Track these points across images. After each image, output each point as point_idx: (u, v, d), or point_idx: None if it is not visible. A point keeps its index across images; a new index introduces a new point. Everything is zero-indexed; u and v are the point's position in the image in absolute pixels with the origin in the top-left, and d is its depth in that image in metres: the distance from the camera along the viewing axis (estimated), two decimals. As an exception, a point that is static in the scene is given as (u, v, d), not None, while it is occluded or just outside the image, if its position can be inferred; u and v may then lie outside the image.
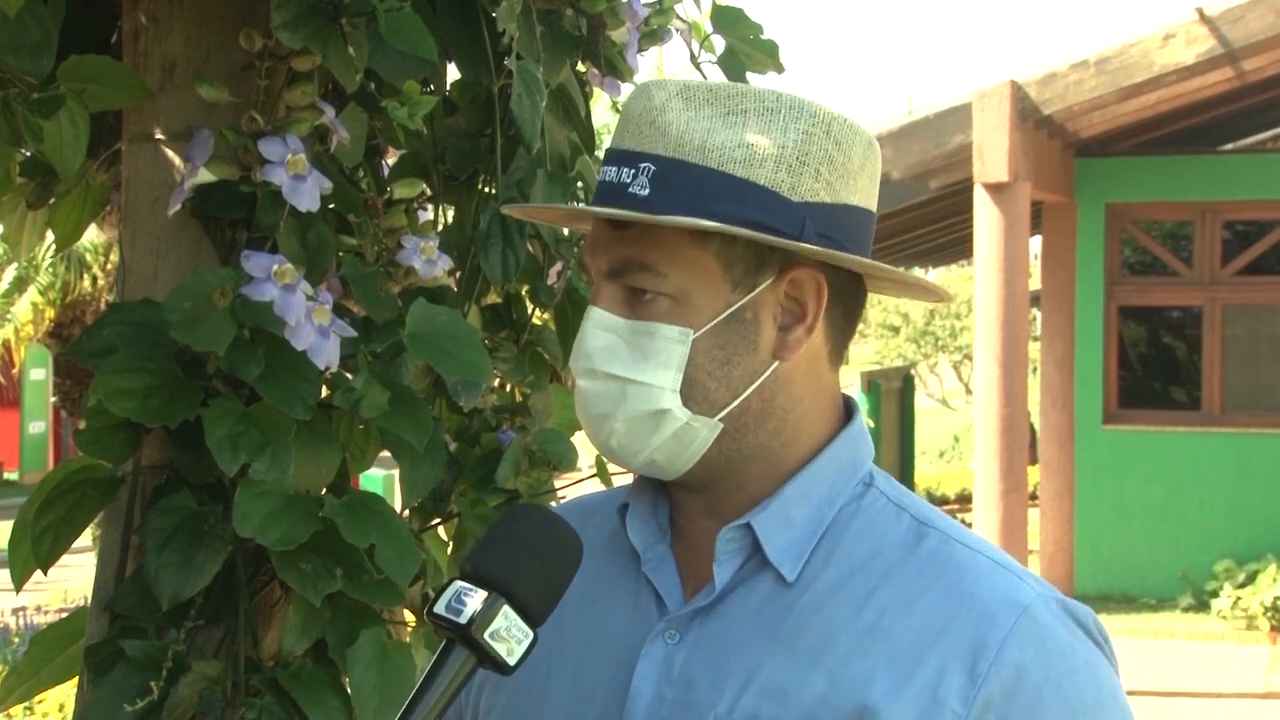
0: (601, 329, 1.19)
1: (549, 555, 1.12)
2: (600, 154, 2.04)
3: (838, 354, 1.26)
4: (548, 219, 1.33)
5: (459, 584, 1.08)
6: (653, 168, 1.17)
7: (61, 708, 6.05)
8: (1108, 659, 1.19)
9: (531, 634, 1.08)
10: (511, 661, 1.07)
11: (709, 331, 1.18)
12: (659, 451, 1.19)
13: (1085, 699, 1.14)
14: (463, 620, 1.06)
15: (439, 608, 1.07)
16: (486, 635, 1.06)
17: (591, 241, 1.23)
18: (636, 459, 1.20)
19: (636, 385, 1.18)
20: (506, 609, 1.07)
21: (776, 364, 1.20)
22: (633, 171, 1.18)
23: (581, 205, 1.21)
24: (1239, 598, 10.18)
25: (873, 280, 1.27)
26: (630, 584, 1.26)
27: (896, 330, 31.13)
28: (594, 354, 1.19)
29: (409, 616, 1.83)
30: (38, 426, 20.74)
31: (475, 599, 1.06)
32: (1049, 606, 1.16)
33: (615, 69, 1.94)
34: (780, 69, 2.05)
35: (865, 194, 1.23)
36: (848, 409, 1.28)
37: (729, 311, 1.18)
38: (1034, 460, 12.48)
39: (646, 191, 1.16)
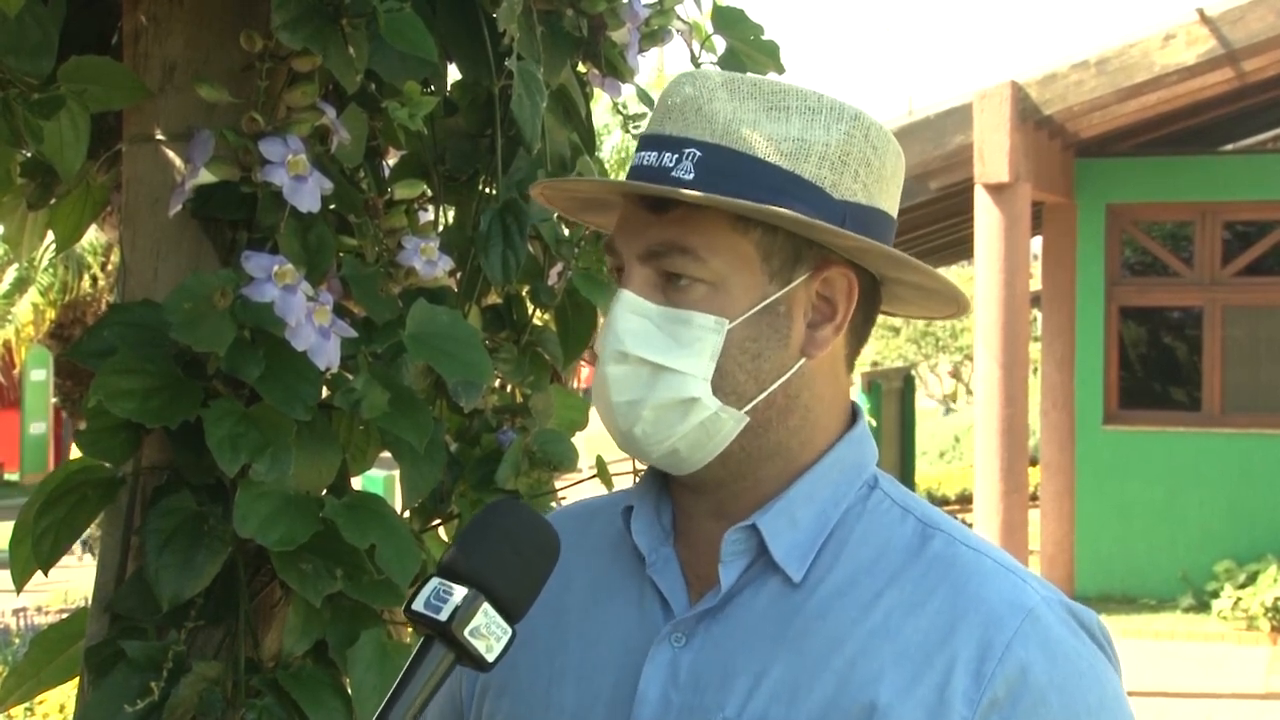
0: (633, 313, 1.18)
1: (527, 552, 1.11)
2: (601, 155, 2.04)
3: (853, 358, 1.27)
4: (589, 187, 1.32)
5: (437, 581, 1.08)
6: (698, 153, 1.17)
7: (62, 708, 6.05)
8: (1111, 663, 1.19)
9: (510, 630, 1.08)
10: (490, 658, 1.07)
11: (743, 322, 1.18)
12: (683, 440, 1.18)
13: (1089, 702, 1.14)
14: (442, 617, 1.05)
15: (418, 605, 1.07)
16: (466, 632, 1.05)
17: (624, 225, 1.22)
18: (658, 448, 1.19)
19: (669, 372, 1.17)
20: (486, 606, 1.06)
21: (803, 361, 1.20)
22: (675, 156, 1.17)
23: (633, 184, 1.20)
24: (1239, 598, 10.18)
25: (888, 295, 1.27)
26: (634, 587, 1.26)
27: (897, 331, 31.13)
28: (625, 337, 1.18)
29: (409, 617, 1.83)
30: (38, 427, 20.74)
31: (455, 596, 1.06)
32: (1054, 610, 1.17)
33: (616, 70, 1.94)
34: (781, 70, 2.05)
35: (892, 201, 1.24)
36: (852, 412, 1.28)
37: (765, 303, 1.18)
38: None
39: (691, 176, 1.16)
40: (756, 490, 1.22)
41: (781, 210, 1.14)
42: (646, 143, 1.21)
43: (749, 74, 1.22)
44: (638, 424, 1.19)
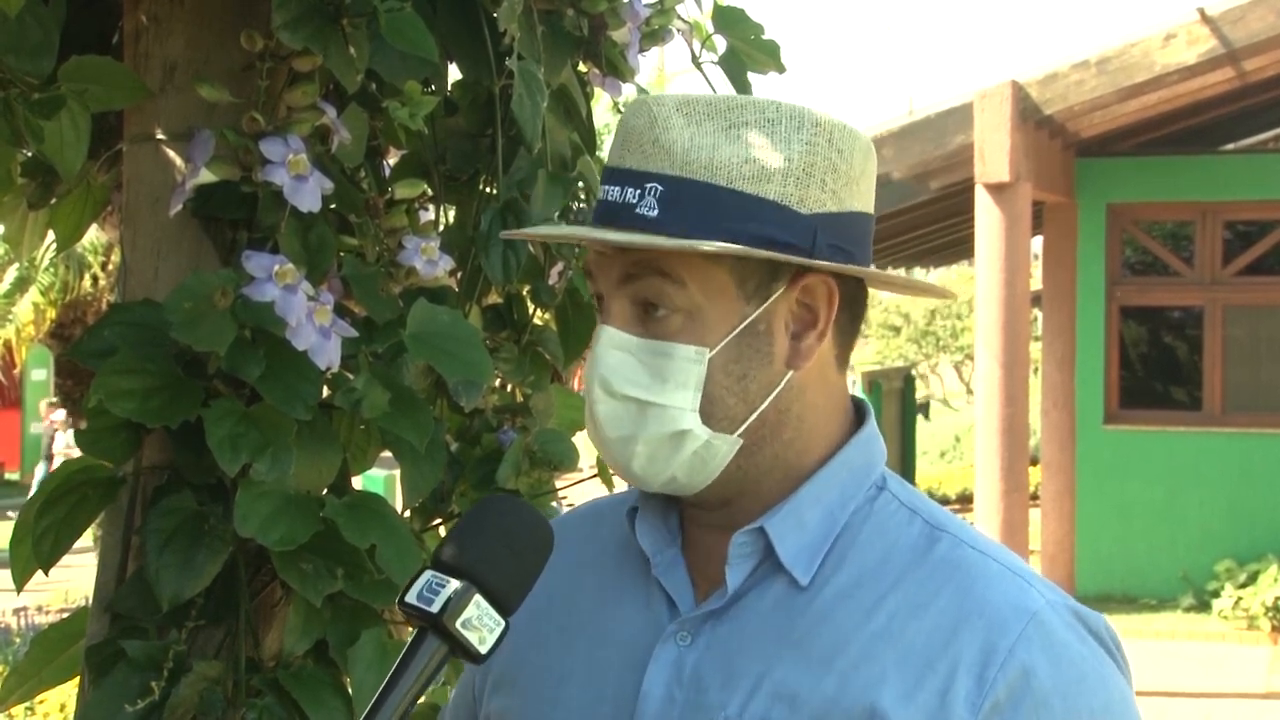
0: (615, 348, 1.18)
1: (520, 544, 1.12)
2: (602, 154, 2.04)
3: (844, 358, 1.26)
4: (554, 239, 1.32)
5: (430, 573, 1.08)
6: (660, 188, 1.15)
7: (62, 708, 6.05)
8: (1119, 667, 1.18)
9: (503, 623, 1.08)
10: (483, 650, 1.07)
11: (724, 348, 1.17)
12: (679, 470, 1.18)
13: (1093, 706, 1.14)
14: (434, 609, 1.06)
15: (410, 597, 1.07)
16: (458, 624, 1.06)
17: (597, 258, 1.21)
18: (657, 479, 1.19)
19: (656, 407, 1.17)
20: (478, 598, 1.07)
21: (791, 373, 1.20)
22: (638, 192, 1.16)
23: (593, 232, 1.19)
24: (1240, 598, 10.18)
25: (875, 280, 1.27)
26: (641, 587, 1.26)
27: (897, 330, 31.15)
28: (610, 376, 1.18)
29: (410, 617, 1.83)
30: (39, 427, 20.75)
31: (447, 588, 1.07)
32: (1059, 614, 1.16)
33: (616, 69, 1.94)
34: (781, 69, 2.05)
35: (866, 199, 1.23)
36: (859, 412, 1.28)
37: (743, 325, 1.17)
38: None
39: (655, 213, 1.15)
40: (760, 501, 1.21)
41: (753, 251, 1.13)
42: (609, 175, 1.20)
43: (703, 94, 1.21)
44: (634, 460, 1.19)
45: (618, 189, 1.18)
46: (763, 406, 1.19)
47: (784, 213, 1.16)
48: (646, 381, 1.17)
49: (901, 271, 14.83)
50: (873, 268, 1.23)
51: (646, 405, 1.17)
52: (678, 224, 1.14)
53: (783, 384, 1.19)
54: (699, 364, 1.16)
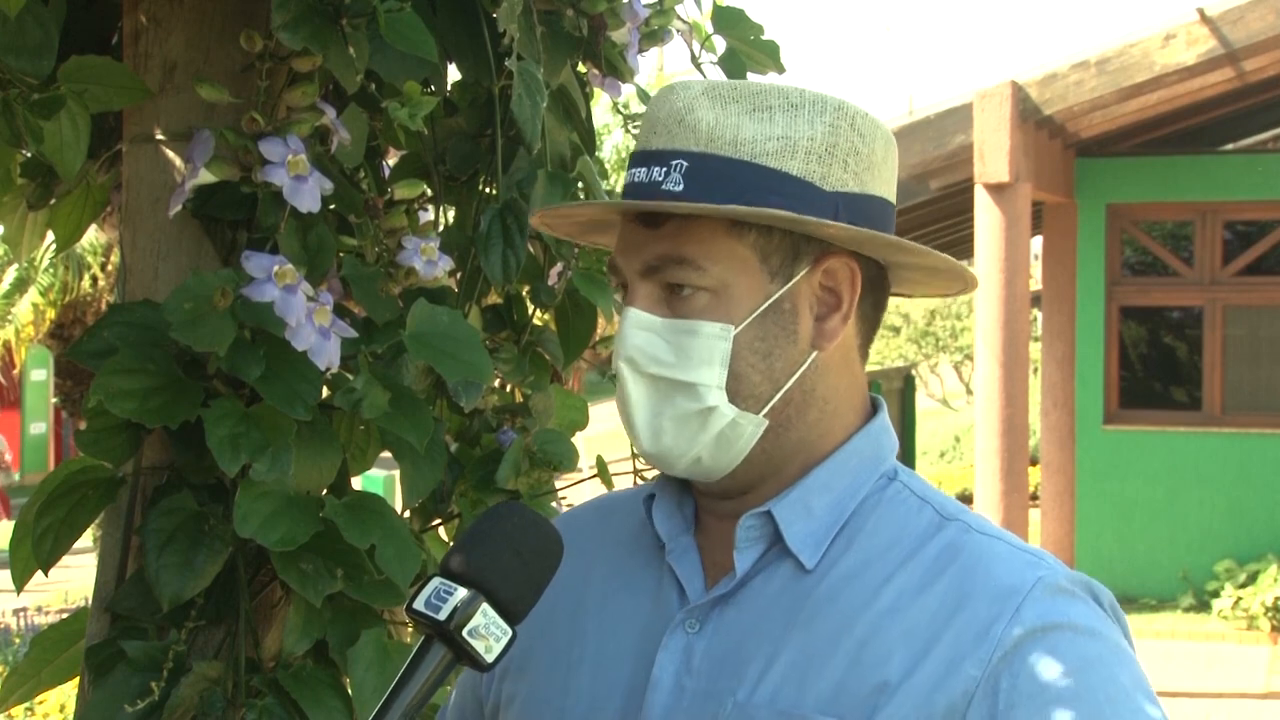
0: (641, 329, 1.19)
1: (529, 554, 1.13)
2: (600, 154, 2.03)
3: (865, 346, 1.28)
4: (583, 214, 1.32)
5: (439, 581, 1.09)
6: (685, 163, 1.18)
7: (62, 708, 6.05)
8: (1122, 631, 1.20)
9: (510, 632, 1.09)
10: (489, 659, 1.08)
11: (750, 325, 1.19)
12: (705, 449, 1.19)
13: (1097, 665, 1.14)
14: (441, 617, 1.07)
15: (418, 604, 1.08)
16: (465, 633, 1.07)
17: (622, 243, 1.23)
18: (682, 460, 1.20)
19: (683, 385, 1.18)
20: (485, 607, 1.08)
21: (815, 354, 1.21)
22: (664, 169, 1.19)
23: (618, 201, 1.21)
24: (1240, 598, 10.18)
25: (897, 278, 1.28)
26: (653, 575, 1.27)
27: (897, 330, 31.11)
28: (636, 355, 1.19)
29: (410, 617, 1.83)
30: (39, 427, 20.76)
31: (455, 596, 1.07)
32: (1063, 580, 1.18)
33: (616, 70, 1.94)
34: (781, 69, 2.05)
35: (887, 186, 1.25)
36: (873, 406, 1.29)
37: (768, 303, 1.19)
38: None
39: (681, 187, 1.17)
40: (780, 487, 1.23)
41: (769, 210, 1.15)
42: (636, 159, 1.22)
43: (730, 79, 1.23)
44: (661, 437, 1.20)
45: (644, 170, 1.20)
46: (788, 385, 1.20)
47: (806, 187, 1.18)
48: (672, 360, 1.18)
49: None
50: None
51: (673, 383, 1.18)
52: (702, 197, 1.16)
53: (807, 364, 1.21)
54: (724, 340, 1.18)
